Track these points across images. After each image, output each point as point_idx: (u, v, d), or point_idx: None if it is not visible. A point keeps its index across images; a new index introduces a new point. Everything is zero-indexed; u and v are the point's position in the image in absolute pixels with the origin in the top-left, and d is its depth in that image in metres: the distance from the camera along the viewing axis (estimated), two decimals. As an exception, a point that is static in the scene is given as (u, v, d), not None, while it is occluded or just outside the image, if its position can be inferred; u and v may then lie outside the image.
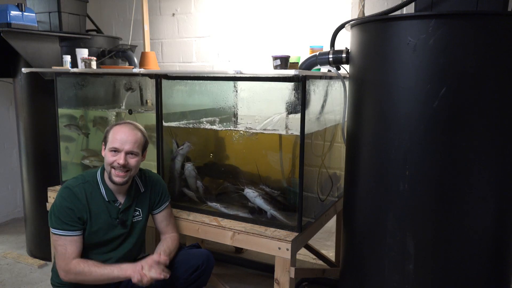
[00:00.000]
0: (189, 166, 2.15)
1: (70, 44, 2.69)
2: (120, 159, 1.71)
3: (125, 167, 1.72)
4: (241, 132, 2.05)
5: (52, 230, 1.70)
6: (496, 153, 1.38)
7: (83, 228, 1.72)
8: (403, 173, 1.43)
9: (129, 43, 3.15)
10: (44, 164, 2.76)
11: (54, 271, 1.79)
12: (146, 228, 1.94)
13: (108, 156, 1.74)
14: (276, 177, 2.11)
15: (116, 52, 2.80)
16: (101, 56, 2.81)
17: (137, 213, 1.86)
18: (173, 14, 3.37)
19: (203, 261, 1.84)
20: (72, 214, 1.69)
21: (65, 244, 1.68)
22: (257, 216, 1.96)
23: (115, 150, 1.72)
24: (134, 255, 1.91)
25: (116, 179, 1.73)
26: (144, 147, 1.82)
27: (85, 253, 1.75)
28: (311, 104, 1.85)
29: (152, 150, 2.21)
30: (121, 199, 1.81)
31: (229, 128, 2.14)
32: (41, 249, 2.81)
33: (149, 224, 1.96)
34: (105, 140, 1.78)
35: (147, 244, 2.21)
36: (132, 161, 1.74)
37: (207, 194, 2.15)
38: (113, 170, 1.73)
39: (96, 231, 1.74)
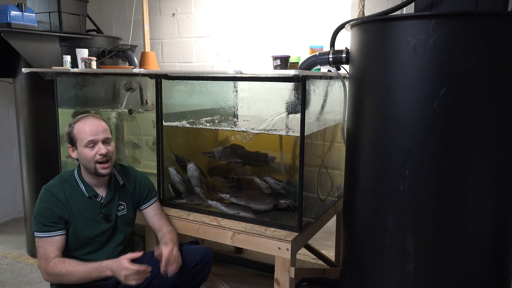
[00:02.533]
0: (191, 167, 2.15)
1: (70, 44, 2.69)
2: (100, 149, 1.72)
3: (106, 156, 1.74)
4: (246, 132, 2.06)
5: (34, 233, 1.70)
6: (496, 153, 1.38)
7: (65, 228, 1.71)
8: (403, 173, 1.43)
9: (129, 43, 3.15)
10: (44, 164, 2.75)
11: None
12: (134, 225, 1.93)
13: (86, 153, 1.72)
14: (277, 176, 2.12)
15: (116, 52, 2.80)
16: (101, 56, 2.81)
17: (121, 207, 1.86)
18: (173, 14, 3.37)
19: (203, 257, 1.86)
20: (51, 215, 1.69)
21: (45, 245, 1.68)
22: (257, 216, 1.96)
23: (92, 144, 1.73)
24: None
25: (103, 172, 1.74)
26: (111, 132, 1.84)
27: (72, 254, 1.74)
28: (311, 104, 1.85)
29: (151, 152, 2.22)
30: (102, 193, 1.81)
31: (233, 129, 2.14)
32: (41, 249, 2.81)
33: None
34: (72, 142, 1.76)
35: (147, 245, 2.21)
36: (110, 147, 1.77)
37: (207, 196, 2.15)
38: (97, 165, 1.73)
39: (81, 229, 1.74)
